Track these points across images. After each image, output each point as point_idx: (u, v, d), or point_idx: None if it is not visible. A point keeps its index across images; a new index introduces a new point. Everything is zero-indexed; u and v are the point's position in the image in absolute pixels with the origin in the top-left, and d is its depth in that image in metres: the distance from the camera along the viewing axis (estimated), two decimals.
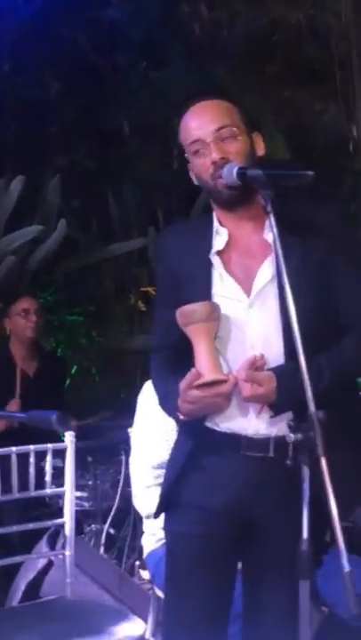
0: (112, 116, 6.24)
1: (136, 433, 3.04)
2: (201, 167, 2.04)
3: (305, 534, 1.81)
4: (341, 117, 5.80)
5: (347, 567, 1.71)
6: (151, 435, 2.91)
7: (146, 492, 2.93)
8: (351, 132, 5.80)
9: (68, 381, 5.24)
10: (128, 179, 6.23)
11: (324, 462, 1.76)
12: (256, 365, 1.94)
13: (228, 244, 2.05)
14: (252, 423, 2.00)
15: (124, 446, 3.87)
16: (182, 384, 1.95)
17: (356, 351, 2.04)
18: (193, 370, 1.94)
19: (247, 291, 2.00)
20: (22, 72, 5.96)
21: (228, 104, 2.05)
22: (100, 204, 6.14)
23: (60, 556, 3.18)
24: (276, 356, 1.97)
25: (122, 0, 6.09)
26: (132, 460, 3.08)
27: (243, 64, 6.20)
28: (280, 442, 1.97)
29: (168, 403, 2.07)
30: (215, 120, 2.02)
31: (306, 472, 1.81)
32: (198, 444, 2.04)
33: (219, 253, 2.04)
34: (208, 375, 1.92)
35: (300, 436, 1.81)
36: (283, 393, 1.91)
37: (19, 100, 5.80)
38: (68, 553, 3.05)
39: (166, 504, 2.11)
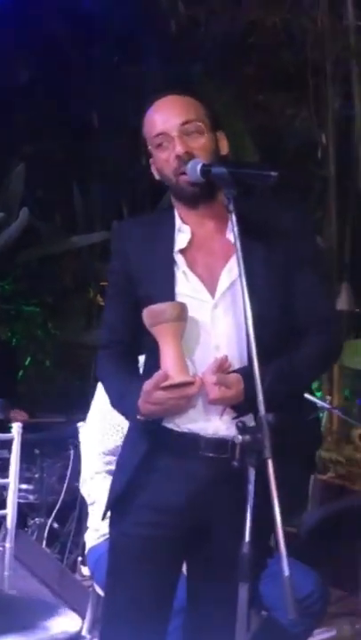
0: (83, 107, 6.19)
1: (90, 418, 3.00)
2: (164, 161, 2.00)
3: (247, 537, 1.78)
4: (312, 123, 5.81)
5: (286, 572, 1.69)
6: (105, 421, 2.86)
7: (95, 478, 2.89)
8: (321, 139, 5.80)
9: (21, 372, 5.18)
10: (95, 171, 6.19)
11: (270, 465, 1.74)
12: (223, 368, 1.91)
13: (190, 242, 2.01)
14: (212, 424, 1.97)
15: (72, 441, 3.83)
16: (148, 385, 1.90)
17: (316, 354, 2.03)
18: (160, 371, 1.89)
19: (211, 291, 1.97)
20: None
21: (194, 100, 2.02)
22: (65, 196, 6.09)
23: (0, 548, 3.14)
24: (239, 357, 1.94)
25: None
26: (83, 445, 3.04)
27: (218, 64, 6.19)
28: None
29: (124, 403, 2.02)
30: (181, 114, 1.98)
31: (252, 474, 1.79)
32: (154, 445, 2.00)
33: (182, 252, 2.00)
34: (176, 377, 1.88)
35: (248, 437, 1.79)
36: (249, 394, 1.88)
37: None
38: (8, 545, 3.03)
39: (114, 506, 2.06)
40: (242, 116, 5.94)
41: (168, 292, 1.97)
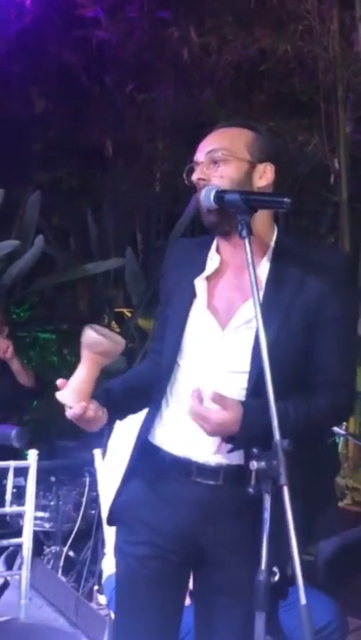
0: (97, 135, 6.24)
1: (114, 439, 2.99)
2: (197, 188, 2.00)
3: (263, 565, 1.76)
4: (324, 149, 5.83)
5: (303, 601, 1.67)
6: (129, 442, 2.85)
7: None
8: (333, 164, 5.82)
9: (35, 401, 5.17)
10: (109, 199, 6.22)
11: (286, 492, 1.72)
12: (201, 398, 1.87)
13: (218, 270, 2.01)
14: (204, 451, 1.97)
15: (88, 468, 3.82)
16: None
17: (325, 410, 1.97)
18: (63, 380, 1.93)
19: (223, 324, 1.97)
20: (8, 86, 5.94)
21: (241, 130, 2.02)
22: (80, 223, 6.12)
23: (16, 577, 3.13)
24: (237, 391, 1.92)
25: (112, 21, 6.11)
26: (105, 467, 3.03)
27: (230, 91, 6.23)
28: (231, 470, 1.94)
29: None
30: (211, 143, 2.00)
31: (267, 501, 1.77)
32: (146, 462, 2.04)
33: (207, 279, 2.01)
34: (60, 393, 1.92)
35: (263, 464, 1.77)
36: (247, 426, 1.85)
37: (3, 115, 5.77)
38: (24, 574, 3.01)
39: (114, 512, 2.10)
40: None
41: (182, 317, 2.00)
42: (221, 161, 1.98)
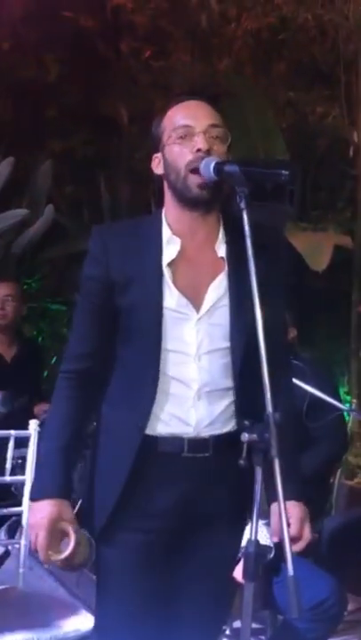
0: (111, 103, 6.17)
1: None
2: (179, 154, 1.96)
3: (253, 536, 1.75)
4: (344, 121, 5.72)
5: (291, 572, 1.65)
6: None
7: None
8: (352, 137, 5.71)
9: (46, 372, 5.14)
10: (123, 168, 6.17)
11: (277, 464, 1.69)
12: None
13: (178, 254, 1.98)
14: (196, 426, 1.98)
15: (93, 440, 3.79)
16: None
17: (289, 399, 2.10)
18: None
19: (197, 306, 1.96)
20: (22, 52, 5.87)
21: (219, 114, 2.03)
22: (93, 193, 6.07)
23: (17, 546, 3.12)
24: (219, 370, 1.96)
25: None
26: None
27: (249, 60, 6.13)
28: (218, 440, 1.98)
29: (39, 472, 2.08)
30: (211, 117, 2.00)
31: (259, 473, 1.75)
32: (140, 457, 1.97)
33: (168, 264, 1.98)
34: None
35: (254, 436, 1.75)
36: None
37: (17, 81, 5.71)
38: (23, 543, 3.00)
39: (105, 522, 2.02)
40: (272, 113, 5.89)
41: (155, 305, 1.95)
42: (220, 139, 1.97)
